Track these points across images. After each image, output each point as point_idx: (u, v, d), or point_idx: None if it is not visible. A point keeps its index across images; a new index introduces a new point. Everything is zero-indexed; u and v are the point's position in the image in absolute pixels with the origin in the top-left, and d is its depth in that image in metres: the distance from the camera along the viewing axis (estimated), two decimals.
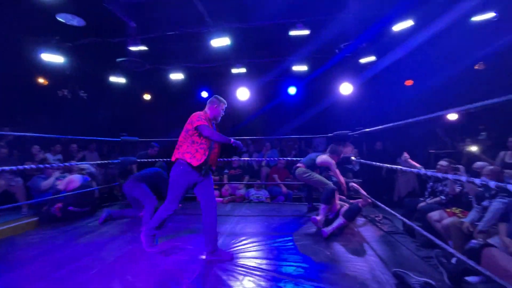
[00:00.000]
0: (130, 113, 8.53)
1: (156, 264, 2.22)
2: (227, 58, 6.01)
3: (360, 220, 3.39)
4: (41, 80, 6.94)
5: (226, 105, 2.61)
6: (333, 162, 3.52)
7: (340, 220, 2.96)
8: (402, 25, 4.11)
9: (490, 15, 3.97)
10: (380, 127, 3.22)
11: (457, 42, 5.04)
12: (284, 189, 5.46)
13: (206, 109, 2.53)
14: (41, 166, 3.19)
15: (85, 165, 4.16)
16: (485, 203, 2.82)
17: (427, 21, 4.23)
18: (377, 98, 7.89)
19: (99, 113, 8.13)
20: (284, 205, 4.44)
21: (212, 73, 7.39)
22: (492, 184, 1.31)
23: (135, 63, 6.07)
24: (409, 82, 7.31)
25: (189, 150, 2.31)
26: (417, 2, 3.95)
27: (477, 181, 1.41)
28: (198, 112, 2.43)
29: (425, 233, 2.22)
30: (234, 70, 6.44)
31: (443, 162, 3.63)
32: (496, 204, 2.59)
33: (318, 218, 2.96)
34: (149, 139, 5.06)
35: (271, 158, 5.60)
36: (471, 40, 4.90)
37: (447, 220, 3.17)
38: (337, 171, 3.43)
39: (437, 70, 6.39)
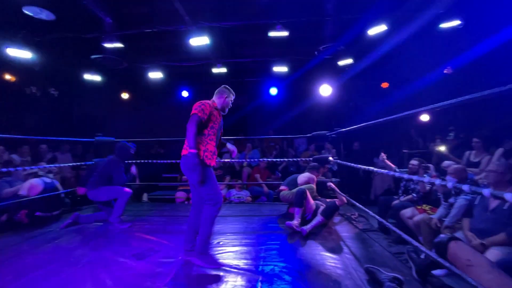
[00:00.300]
0: (106, 113, 8.21)
1: (129, 268, 2.15)
2: (207, 57, 5.95)
3: (337, 218, 3.47)
4: (7, 77, 6.50)
5: (234, 97, 2.51)
6: (314, 177, 3.67)
7: (318, 218, 3.01)
8: (376, 30, 4.27)
9: (455, 22, 4.23)
10: (355, 127, 3.32)
11: (428, 47, 5.32)
12: (265, 188, 5.48)
13: (215, 98, 2.41)
14: (3, 170, 2.99)
15: (43, 169, 3.88)
16: (451, 200, 2.99)
17: (399, 26, 4.43)
18: (355, 100, 8.15)
19: (73, 112, 7.75)
20: (264, 205, 4.46)
21: (192, 73, 7.28)
22: (450, 184, 1.38)
23: (112, 60, 5.85)
24: (385, 85, 7.61)
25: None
26: (389, 8, 4.12)
27: (437, 181, 1.49)
28: (205, 100, 2.29)
29: (394, 228, 2.31)
30: (215, 70, 6.38)
31: (414, 162, 3.81)
32: (460, 201, 2.75)
33: (294, 222, 2.96)
34: (126, 139, 4.88)
35: (253, 160, 5.60)
36: (440, 45, 5.19)
37: (418, 217, 3.33)
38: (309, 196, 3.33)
39: (411, 74, 6.72)
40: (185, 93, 8.33)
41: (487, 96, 1.02)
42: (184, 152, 2.22)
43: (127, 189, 3.33)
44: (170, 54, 6.15)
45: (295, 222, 2.96)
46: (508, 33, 4.34)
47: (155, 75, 6.89)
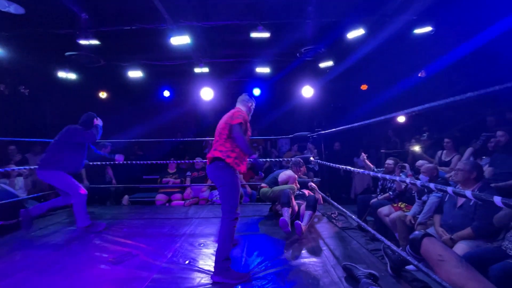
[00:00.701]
0: (83, 112, 7.85)
1: (104, 273, 2.07)
2: (188, 57, 5.86)
3: (317, 217, 3.54)
4: None
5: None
6: (295, 176, 3.70)
7: (307, 214, 3.02)
8: (355, 33, 4.40)
9: (427, 29, 4.45)
10: (335, 129, 3.41)
11: (403, 51, 5.56)
12: (248, 189, 5.48)
13: (241, 106, 2.48)
14: None
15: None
16: (424, 197, 3.14)
17: (376, 31, 4.60)
18: (336, 101, 8.35)
19: (46, 112, 7.35)
20: (247, 206, 4.46)
21: (174, 72, 7.14)
22: (419, 182, 1.45)
23: (88, 58, 5.61)
24: (364, 87, 7.85)
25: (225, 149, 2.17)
26: (367, 12, 4.27)
27: (408, 180, 1.56)
28: (238, 109, 2.37)
29: (368, 228, 2.40)
30: (197, 70, 6.30)
31: (389, 161, 3.97)
32: (432, 198, 2.89)
33: (286, 216, 2.95)
34: (104, 140, 4.70)
35: None
36: (415, 50, 5.45)
37: (394, 214, 3.47)
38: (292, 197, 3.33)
39: (388, 77, 6.99)
40: (166, 93, 8.16)
41: (458, 102, 1.09)
42: (217, 154, 2.14)
43: (82, 190, 3.00)
44: (150, 53, 5.99)
45: (286, 216, 2.94)
46: (478, 40, 4.64)
47: (135, 74, 6.69)
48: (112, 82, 7.73)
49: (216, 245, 2.05)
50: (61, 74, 6.45)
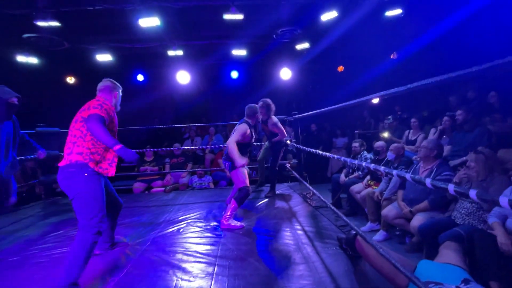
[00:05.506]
0: (48, 100, 7.38)
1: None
2: (161, 39, 5.60)
3: (292, 197, 3.71)
4: None
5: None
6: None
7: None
8: (328, 15, 4.40)
9: (398, 11, 4.54)
10: (311, 112, 3.49)
11: (376, 34, 5.66)
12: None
13: (105, 95, 2.07)
14: None
15: None
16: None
17: (349, 13, 4.62)
18: (313, 83, 8.44)
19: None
20: (227, 190, 4.55)
21: (146, 55, 6.83)
22: (372, 166, 1.57)
23: (49, 40, 5.21)
24: (340, 68, 7.97)
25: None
26: None
27: (365, 164, 1.67)
28: (99, 98, 2.03)
29: (333, 207, 2.55)
30: (171, 52, 6.06)
31: (355, 144, 4.18)
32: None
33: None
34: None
35: (216, 146, 5.58)
36: (386, 33, 5.56)
37: (364, 192, 3.71)
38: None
39: (363, 58, 7.13)
40: (140, 77, 7.83)
41: (426, 86, 1.14)
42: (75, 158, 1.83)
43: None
44: (119, 35, 5.65)
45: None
46: (446, 24, 4.82)
47: (104, 57, 6.32)
48: (80, 67, 7.26)
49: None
50: (21, 59, 5.96)
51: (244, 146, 2.95)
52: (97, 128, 1.76)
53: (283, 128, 3.70)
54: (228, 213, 2.71)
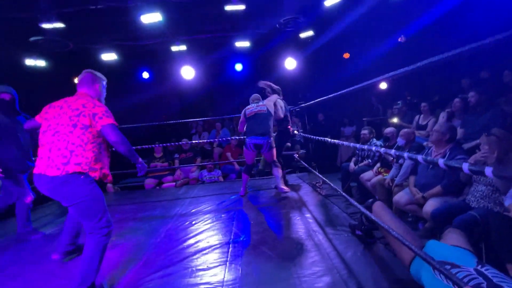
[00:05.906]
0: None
1: (54, 273, 1.98)
2: (164, 35, 5.59)
3: (302, 187, 3.71)
4: None
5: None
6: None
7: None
8: (332, 0, 4.29)
9: None
10: (317, 100, 3.44)
11: (382, 17, 5.49)
12: (236, 166, 5.59)
13: (88, 90, 1.92)
14: None
15: None
16: (401, 161, 3.32)
17: None
18: (319, 72, 8.30)
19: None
20: (236, 182, 4.59)
21: (150, 52, 6.84)
22: (383, 150, 1.54)
23: (55, 42, 5.28)
24: (346, 55, 7.80)
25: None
26: None
27: (375, 149, 1.65)
28: (89, 98, 1.85)
29: (344, 194, 2.53)
30: (174, 48, 6.05)
31: (364, 131, 4.11)
32: (407, 161, 3.06)
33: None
34: None
35: (224, 139, 5.61)
36: (393, 15, 5.38)
37: (374, 179, 3.67)
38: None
39: (369, 43, 6.94)
40: (145, 74, 7.88)
41: (435, 63, 1.08)
42: (73, 168, 1.65)
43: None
44: (122, 33, 5.66)
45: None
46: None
47: (109, 56, 6.37)
48: (86, 67, 7.23)
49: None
50: (29, 62, 6.06)
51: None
52: (123, 143, 1.72)
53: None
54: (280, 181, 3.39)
